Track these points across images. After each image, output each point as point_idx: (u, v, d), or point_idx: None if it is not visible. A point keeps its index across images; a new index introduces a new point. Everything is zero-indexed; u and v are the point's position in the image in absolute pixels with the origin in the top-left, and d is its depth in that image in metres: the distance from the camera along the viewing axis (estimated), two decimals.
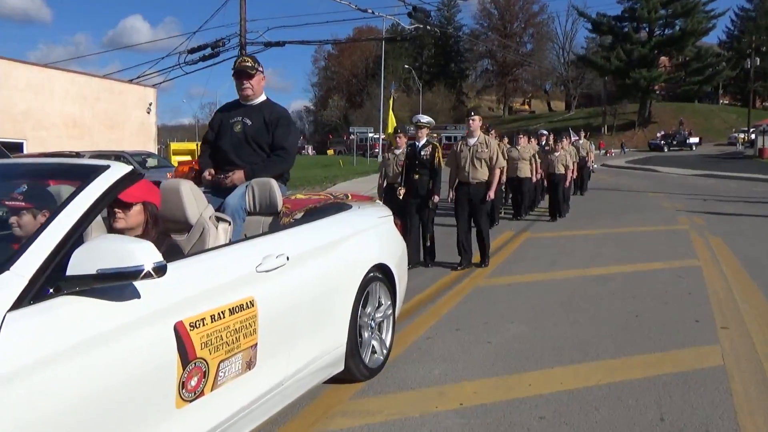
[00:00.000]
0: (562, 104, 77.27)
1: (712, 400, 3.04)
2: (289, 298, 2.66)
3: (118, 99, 23.45)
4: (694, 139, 48.43)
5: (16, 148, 18.42)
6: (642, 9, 55.42)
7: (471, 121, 6.51)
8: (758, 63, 46.99)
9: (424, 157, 6.48)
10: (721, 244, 7.79)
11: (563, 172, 10.81)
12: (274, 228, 3.20)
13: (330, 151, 62.16)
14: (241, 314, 2.32)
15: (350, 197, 3.97)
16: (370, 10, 22.10)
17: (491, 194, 6.42)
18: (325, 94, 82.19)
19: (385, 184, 7.28)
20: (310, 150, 70.20)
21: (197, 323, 2.10)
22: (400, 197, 6.63)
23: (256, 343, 2.40)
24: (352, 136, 47.82)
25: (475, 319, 4.55)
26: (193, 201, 2.88)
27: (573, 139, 14.40)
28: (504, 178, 10.18)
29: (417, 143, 6.60)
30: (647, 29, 58.00)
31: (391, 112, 8.98)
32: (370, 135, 41.99)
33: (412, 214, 6.55)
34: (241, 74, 3.68)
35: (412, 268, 6.13)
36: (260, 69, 3.73)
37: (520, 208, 10.74)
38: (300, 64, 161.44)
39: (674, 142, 48.03)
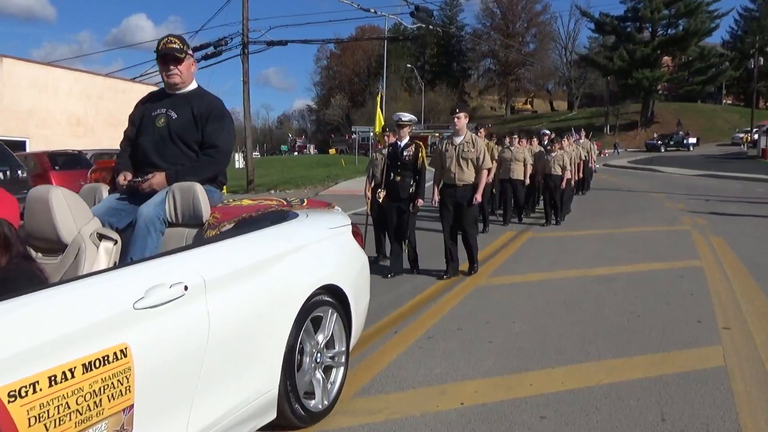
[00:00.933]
0: (565, 104, 77.21)
1: (713, 401, 3.03)
2: (186, 341, 2.06)
3: (122, 97, 23.48)
4: (691, 140, 48.40)
5: (20, 146, 18.49)
6: (645, 9, 55.32)
7: (456, 119, 6.06)
8: (761, 63, 46.94)
9: (406, 157, 6.12)
10: (723, 244, 7.78)
11: (560, 173, 10.07)
12: (197, 243, 2.57)
13: (332, 150, 62.25)
14: (105, 369, 1.75)
15: (305, 203, 3.44)
16: (372, 10, 22.18)
17: (478, 197, 5.98)
18: (328, 93, 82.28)
19: (373, 186, 6.89)
20: (311, 149, 70.33)
21: (22, 391, 1.54)
22: (380, 200, 6.35)
23: (132, 405, 1.85)
24: (354, 135, 47.91)
25: (477, 319, 4.55)
26: (68, 214, 2.37)
27: (574, 138, 14.22)
28: (491, 179, 9.39)
29: (399, 143, 6.23)
30: (650, 29, 57.89)
31: (378, 110, 8.58)
32: (372, 134, 42.02)
33: (393, 218, 6.22)
34: (167, 58, 3.09)
35: (393, 277, 6.01)
36: (190, 52, 3.18)
37: (507, 213, 10.12)
38: (302, 63, 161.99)
39: (671, 143, 48.01)
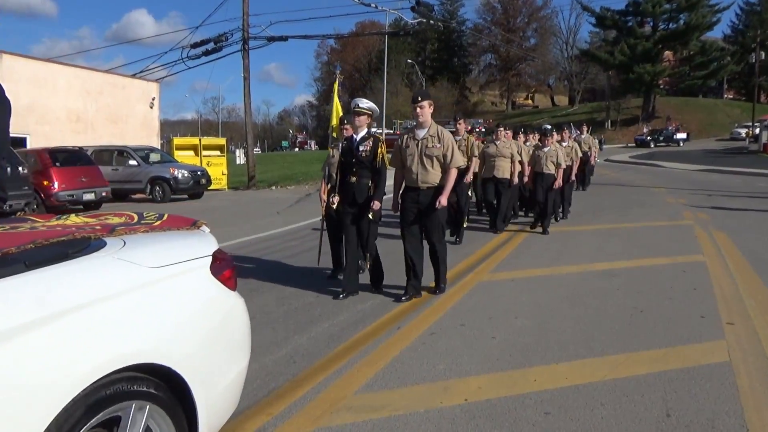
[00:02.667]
0: (566, 99, 77.06)
1: (718, 396, 3.02)
2: None
3: (122, 93, 23.44)
4: (681, 135, 48.25)
5: (20, 142, 18.50)
6: (646, 3, 55.14)
7: (418, 109, 5.02)
8: (763, 57, 46.74)
9: (363, 153, 5.15)
10: (725, 239, 7.76)
11: (552, 170, 8.83)
12: None
13: None
14: None
15: (164, 218, 2.44)
16: (373, 5, 22.08)
17: (442, 200, 4.93)
18: (328, 88, 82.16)
19: (329, 188, 5.83)
20: (312, 145, 70.37)
21: None
22: (333, 206, 5.39)
23: None
24: None
25: (480, 314, 4.54)
26: None
27: (574, 134, 14.07)
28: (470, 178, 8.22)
29: (354, 136, 5.25)
30: (651, 23, 57.74)
31: (336, 98, 6.82)
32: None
33: (349, 227, 5.25)
34: None
35: (345, 297, 5.08)
36: None
37: (496, 217, 8.85)
38: (303, 59, 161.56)
39: (661, 138, 47.86)
